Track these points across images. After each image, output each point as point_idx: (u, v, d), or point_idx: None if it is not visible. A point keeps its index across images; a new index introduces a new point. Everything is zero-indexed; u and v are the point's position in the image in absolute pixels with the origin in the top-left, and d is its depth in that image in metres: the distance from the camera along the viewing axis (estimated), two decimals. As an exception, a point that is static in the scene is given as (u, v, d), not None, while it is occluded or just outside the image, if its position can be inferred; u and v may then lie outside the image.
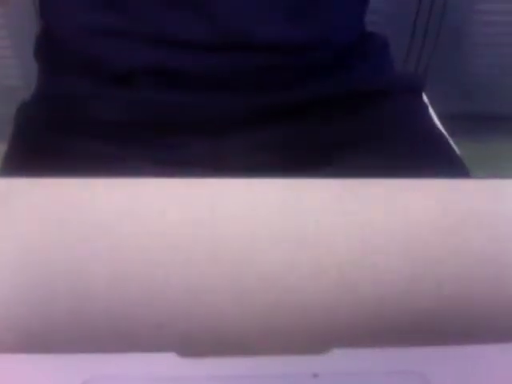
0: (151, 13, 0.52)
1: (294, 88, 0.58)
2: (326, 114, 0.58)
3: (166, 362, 0.24)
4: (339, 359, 0.24)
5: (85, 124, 0.54)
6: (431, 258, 0.30)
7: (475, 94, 1.38)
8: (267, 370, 0.24)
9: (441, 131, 0.61)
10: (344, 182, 0.33)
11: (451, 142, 0.62)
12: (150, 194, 0.31)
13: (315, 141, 0.55)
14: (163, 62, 0.54)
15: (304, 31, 0.56)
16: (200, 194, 0.32)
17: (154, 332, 0.27)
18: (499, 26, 1.35)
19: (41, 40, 0.60)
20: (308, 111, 0.59)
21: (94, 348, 0.26)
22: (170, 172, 0.32)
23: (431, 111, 0.62)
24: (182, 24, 0.52)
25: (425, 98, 0.63)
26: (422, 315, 0.28)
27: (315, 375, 0.24)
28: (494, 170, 1.39)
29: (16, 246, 0.30)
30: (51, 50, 0.59)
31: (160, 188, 0.31)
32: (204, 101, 0.56)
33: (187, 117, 0.57)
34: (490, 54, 1.40)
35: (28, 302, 0.24)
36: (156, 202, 0.31)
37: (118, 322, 0.27)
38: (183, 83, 0.55)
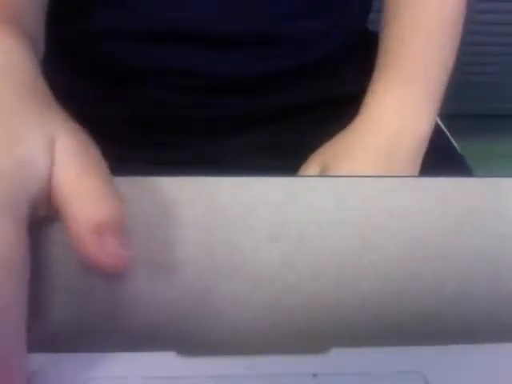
0: (162, 11, 0.51)
1: (295, 88, 0.58)
2: (327, 114, 0.58)
3: (166, 362, 0.24)
4: (339, 359, 0.24)
5: (92, 123, 0.54)
6: (431, 257, 0.30)
7: (475, 94, 1.38)
8: (266, 369, 0.24)
9: (442, 129, 0.61)
10: (343, 181, 0.33)
11: (452, 140, 0.62)
12: (148, 192, 0.31)
13: (316, 141, 0.55)
14: (174, 61, 0.54)
15: (311, 27, 0.56)
16: (197, 193, 0.32)
17: (154, 332, 0.27)
18: (499, 25, 1.35)
19: (48, 40, 0.60)
20: (309, 111, 0.59)
21: (93, 348, 0.26)
22: (170, 171, 0.32)
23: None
24: (194, 22, 0.52)
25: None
26: (422, 315, 0.28)
27: (314, 375, 0.24)
28: (494, 168, 1.39)
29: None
30: (59, 49, 0.58)
31: (158, 187, 0.31)
32: (214, 100, 0.56)
33: (191, 116, 0.57)
34: (490, 54, 1.40)
35: (27, 302, 0.24)
36: (154, 201, 0.31)
37: (117, 321, 0.27)
38: (193, 83, 0.55)
